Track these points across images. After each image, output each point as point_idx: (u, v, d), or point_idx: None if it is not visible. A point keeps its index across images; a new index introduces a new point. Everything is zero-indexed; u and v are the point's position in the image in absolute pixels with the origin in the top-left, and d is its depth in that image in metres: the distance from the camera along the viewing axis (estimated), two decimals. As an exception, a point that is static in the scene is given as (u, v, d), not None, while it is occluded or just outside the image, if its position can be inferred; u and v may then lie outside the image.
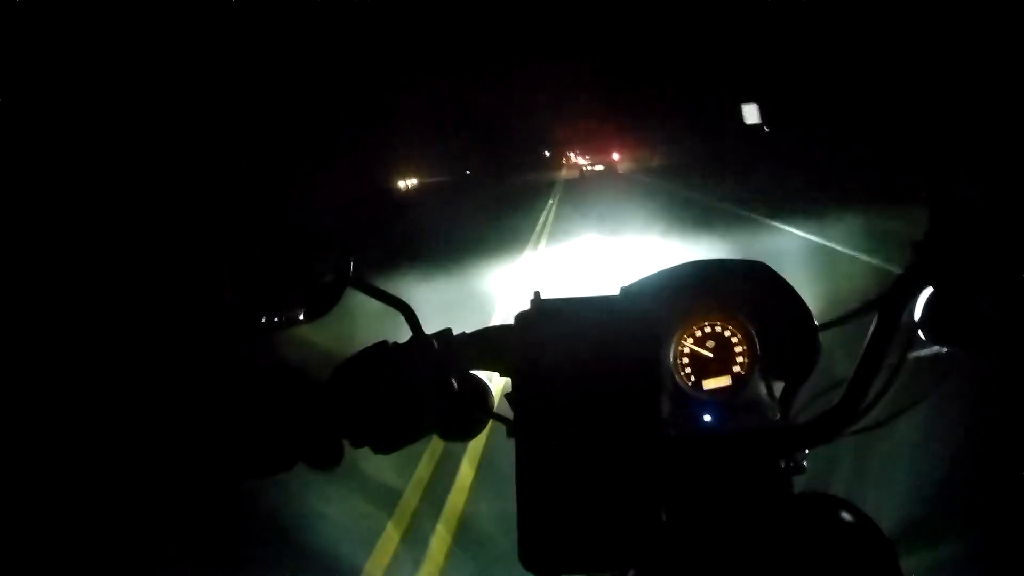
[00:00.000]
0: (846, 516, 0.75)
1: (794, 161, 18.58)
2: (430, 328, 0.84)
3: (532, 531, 0.71)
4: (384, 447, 0.79)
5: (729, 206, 13.49)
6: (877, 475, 2.59)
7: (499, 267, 9.58)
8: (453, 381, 0.82)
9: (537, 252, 11.05)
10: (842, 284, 5.39)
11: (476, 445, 3.45)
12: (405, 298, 0.84)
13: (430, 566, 2.70)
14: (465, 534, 2.88)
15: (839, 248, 7.74)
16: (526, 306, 0.77)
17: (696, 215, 12.74)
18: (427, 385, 0.80)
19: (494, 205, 23.61)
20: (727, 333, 0.86)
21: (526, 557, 0.71)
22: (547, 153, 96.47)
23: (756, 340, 0.85)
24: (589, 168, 45.39)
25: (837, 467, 2.42)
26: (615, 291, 0.82)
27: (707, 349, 0.85)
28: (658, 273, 0.88)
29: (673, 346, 0.86)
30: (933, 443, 2.66)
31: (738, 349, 0.85)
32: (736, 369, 0.85)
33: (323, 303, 0.80)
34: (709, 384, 0.85)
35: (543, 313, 0.76)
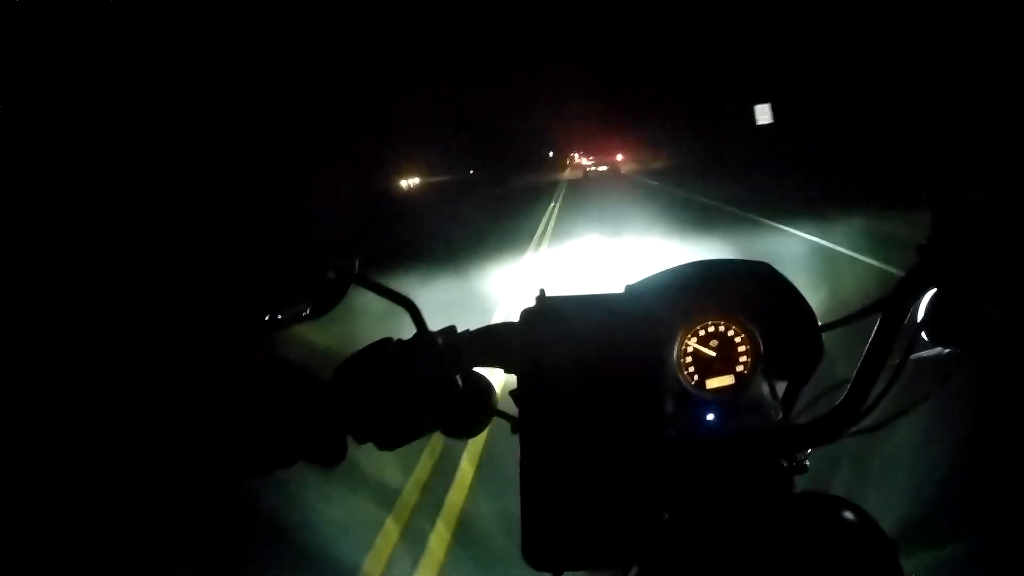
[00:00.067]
0: (847, 515, 0.75)
1: (811, 164, 17.81)
2: (434, 326, 0.84)
3: (535, 527, 0.71)
4: (387, 444, 0.79)
5: (737, 210, 12.96)
6: (878, 475, 2.59)
7: (501, 267, 9.58)
8: (457, 378, 0.82)
9: (539, 253, 11.05)
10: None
11: (476, 443, 3.45)
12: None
13: (430, 564, 2.71)
14: (465, 532, 2.88)
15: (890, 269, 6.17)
16: (531, 303, 0.77)
17: (701, 219, 12.64)
18: (431, 382, 0.80)
19: (495, 205, 23.61)
20: (730, 333, 0.86)
21: (529, 553, 0.71)
22: (551, 154, 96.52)
23: (759, 340, 0.85)
24: (593, 169, 45.51)
25: (838, 467, 2.43)
26: (620, 290, 0.82)
27: (710, 348, 0.86)
28: (663, 272, 0.89)
29: (677, 345, 0.86)
30: (934, 443, 2.66)
31: (741, 349, 0.86)
32: (739, 369, 0.85)
33: (328, 300, 0.80)
34: (712, 383, 0.85)
35: (548, 311, 0.76)
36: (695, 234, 10.31)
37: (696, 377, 0.86)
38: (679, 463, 0.77)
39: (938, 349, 0.81)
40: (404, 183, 40.40)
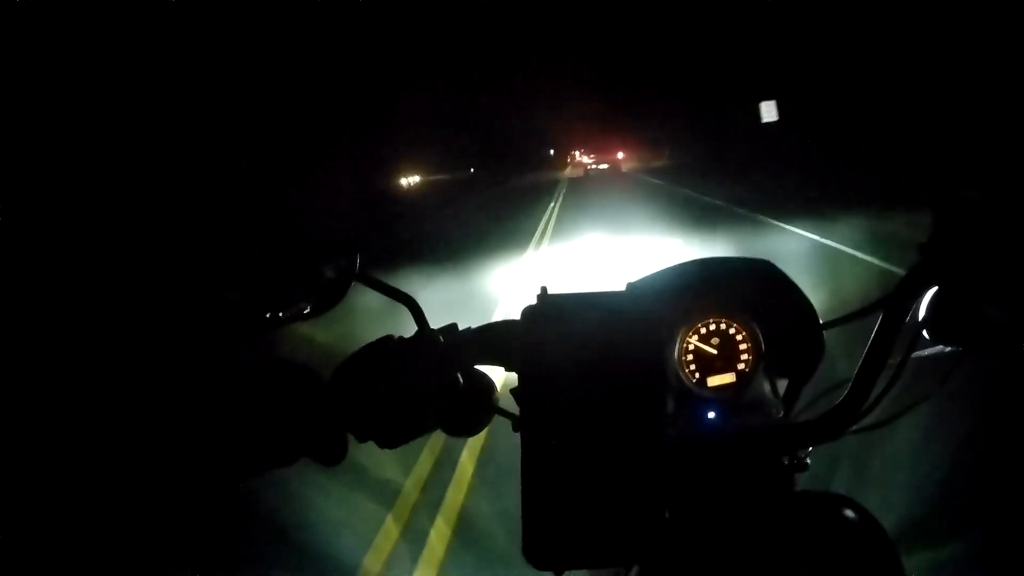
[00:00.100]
0: (848, 513, 0.75)
1: (820, 163, 17.22)
2: (435, 324, 0.84)
3: (536, 526, 0.71)
4: (388, 442, 0.79)
5: (739, 208, 12.75)
6: (879, 474, 2.60)
7: (501, 266, 9.59)
8: (458, 376, 0.82)
9: (540, 251, 11.05)
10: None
11: (477, 441, 3.45)
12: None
13: (430, 562, 2.71)
14: (466, 531, 2.89)
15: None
16: (532, 301, 0.77)
17: (702, 218, 12.61)
18: (432, 380, 0.80)
19: (495, 205, 23.61)
20: (732, 331, 0.86)
21: (530, 552, 0.71)
22: (551, 152, 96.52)
23: (760, 338, 0.85)
24: (593, 167, 45.55)
25: (839, 467, 2.43)
26: (621, 288, 0.83)
27: (712, 346, 0.86)
28: (664, 270, 0.89)
29: (678, 343, 0.86)
30: (934, 443, 2.66)
31: (742, 347, 0.86)
32: (740, 367, 0.85)
33: (329, 298, 0.80)
34: (713, 381, 0.85)
35: (549, 308, 0.76)
36: (696, 233, 10.32)
37: (697, 375, 0.86)
38: (680, 461, 0.77)
39: (939, 348, 0.81)
40: (404, 182, 40.40)
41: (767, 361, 0.85)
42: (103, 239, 7.97)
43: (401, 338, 0.83)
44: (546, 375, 0.74)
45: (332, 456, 0.78)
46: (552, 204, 20.42)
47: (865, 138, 16.80)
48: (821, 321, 0.86)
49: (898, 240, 6.79)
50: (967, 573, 2.14)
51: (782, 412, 0.85)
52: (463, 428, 0.85)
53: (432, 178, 45.63)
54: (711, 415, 0.83)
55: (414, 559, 2.73)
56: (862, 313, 0.85)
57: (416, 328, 0.83)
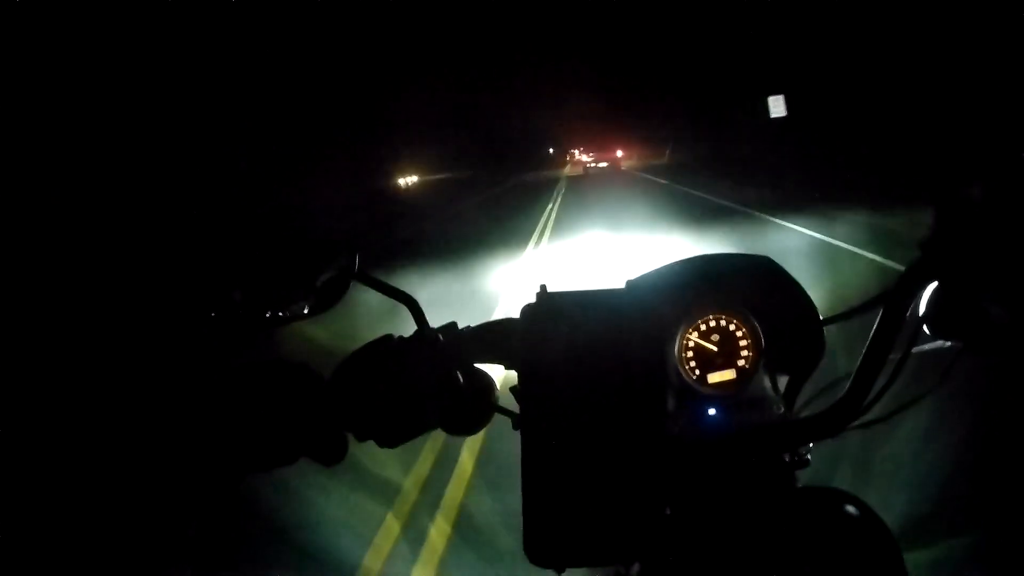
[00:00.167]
0: (850, 509, 0.75)
1: (830, 159, 16.49)
2: (435, 322, 0.84)
3: (537, 524, 0.71)
4: (388, 441, 0.79)
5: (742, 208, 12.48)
6: (879, 472, 2.60)
7: (501, 264, 9.59)
8: (458, 374, 0.82)
9: (540, 248, 11.05)
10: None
11: (477, 438, 3.45)
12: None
13: (430, 561, 2.71)
14: (466, 529, 2.89)
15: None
16: (531, 299, 0.77)
17: (701, 216, 12.56)
18: (431, 379, 0.80)
19: (495, 206, 23.59)
20: (732, 327, 0.86)
21: (531, 549, 0.71)
22: (551, 151, 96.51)
23: (761, 334, 0.85)
24: (592, 165, 45.84)
25: (839, 466, 2.43)
26: (620, 285, 0.82)
27: (712, 343, 0.85)
28: (663, 267, 0.88)
29: (678, 340, 0.86)
30: (934, 442, 2.66)
31: (743, 343, 0.85)
32: (741, 363, 0.85)
33: (329, 297, 0.80)
34: (714, 378, 0.85)
35: (549, 306, 0.76)
36: (694, 231, 10.29)
37: (697, 372, 0.86)
38: (681, 458, 0.77)
39: (939, 343, 0.81)
40: (405, 181, 40.41)
41: (768, 358, 0.85)
42: (103, 239, 7.97)
43: (401, 337, 0.83)
44: (546, 373, 0.73)
45: (332, 456, 0.78)
46: (550, 206, 20.28)
47: (878, 134, 16.51)
48: (821, 317, 0.86)
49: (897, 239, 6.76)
50: (968, 569, 2.14)
51: (783, 409, 0.85)
52: (463, 427, 0.85)
53: (432, 177, 45.65)
54: (712, 412, 0.83)
55: (414, 557, 2.73)
56: (862, 309, 0.85)
57: (415, 327, 0.83)
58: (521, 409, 0.76)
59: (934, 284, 0.79)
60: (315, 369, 0.80)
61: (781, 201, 12.13)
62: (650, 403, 0.73)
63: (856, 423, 0.78)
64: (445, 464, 3.40)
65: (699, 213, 12.81)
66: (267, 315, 0.78)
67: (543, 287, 0.78)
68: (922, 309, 0.80)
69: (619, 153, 47.80)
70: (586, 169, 45.78)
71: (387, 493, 3.17)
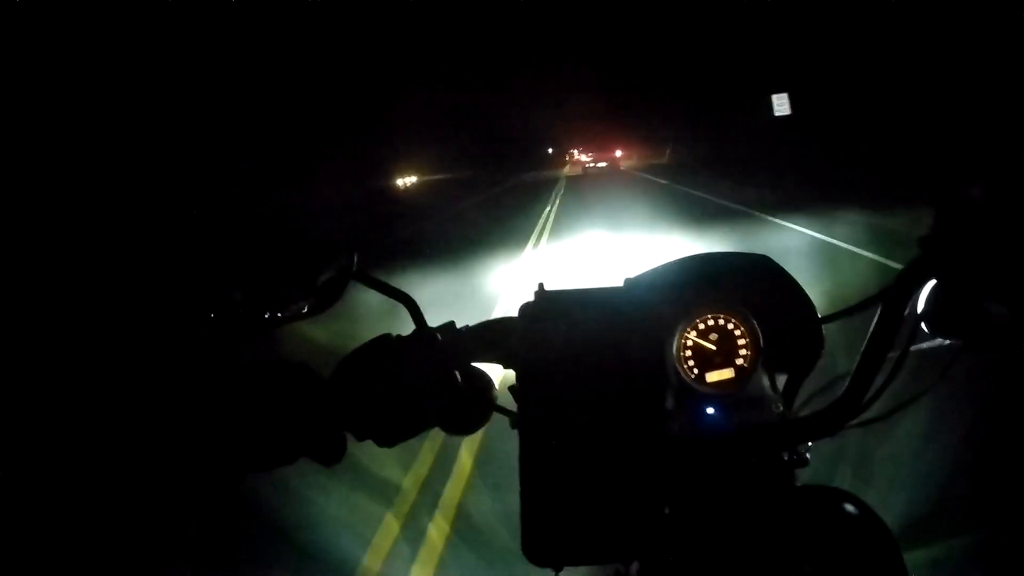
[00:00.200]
0: (849, 508, 0.75)
1: (836, 160, 16.07)
2: (434, 321, 0.84)
3: (535, 523, 0.71)
4: (386, 441, 0.79)
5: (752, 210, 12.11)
6: (879, 472, 2.59)
7: (501, 263, 9.60)
8: (456, 374, 0.82)
9: (539, 248, 11.05)
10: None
11: (475, 437, 3.45)
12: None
13: (429, 560, 2.71)
14: (465, 528, 2.89)
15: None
16: (529, 298, 0.77)
17: (700, 216, 12.53)
18: (430, 378, 0.80)
19: (494, 203, 23.59)
20: (730, 326, 0.86)
21: (529, 548, 0.71)
22: (550, 150, 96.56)
23: (759, 333, 0.85)
24: (591, 165, 46.14)
25: (839, 465, 2.43)
26: (619, 284, 0.82)
27: (710, 342, 0.85)
28: (662, 266, 0.88)
29: (676, 339, 0.86)
30: (933, 442, 2.66)
31: (741, 342, 0.85)
32: (739, 362, 0.85)
33: (327, 297, 0.80)
34: (712, 377, 0.85)
35: (547, 305, 0.76)
36: (693, 231, 10.27)
37: (696, 371, 0.86)
38: (679, 457, 0.77)
39: (938, 341, 0.81)
40: (405, 182, 40.43)
41: (766, 356, 0.85)
42: (102, 239, 7.97)
43: (399, 336, 0.82)
44: (544, 372, 0.73)
45: (331, 455, 0.78)
46: (548, 209, 20.13)
47: (880, 133, 16.37)
48: (820, 315, 0.86)
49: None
50: (967, 568, 2.14)
51: (781, 407, 0.85)
52: (461, 426, 0.85)
53: (432, 177, 45.66)
54: (710, 411, 0.83)
55: (413, 557, 2.73)
56: (861, 307, 0.85)
57: (414, 326, 0.83)
58: (519, 408, 0.76)
59: (932, 282, 0.79)
60: (314, 369, 0.80)
61: (781, 201, 12.11)
62: (648, 402, 0.73)
63: (855, 422, 0.78)
64: (444, 463, 3.40)
65: (699, 213, 12.81)
66: (266, 315, 0.78)
67: (541, 286, 0.78)
68: (920, 307, 0.80)
69: (618, 153, 48.04)
70: (585, 169, 46.06)
71: (387, 493, 3.17)
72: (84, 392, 4.36)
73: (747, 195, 14.32)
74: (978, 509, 2.39)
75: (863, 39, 19.16)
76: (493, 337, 0.84)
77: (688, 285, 0.87)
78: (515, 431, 0.75)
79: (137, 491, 3.16)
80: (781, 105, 25.95)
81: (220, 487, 0.83)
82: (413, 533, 2.89)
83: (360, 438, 0.79)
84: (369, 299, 0.88)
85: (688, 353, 0.86)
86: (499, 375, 0.85)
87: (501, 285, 7.94)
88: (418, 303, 0.84)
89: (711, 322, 0.86)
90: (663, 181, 24.74)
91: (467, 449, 3.45)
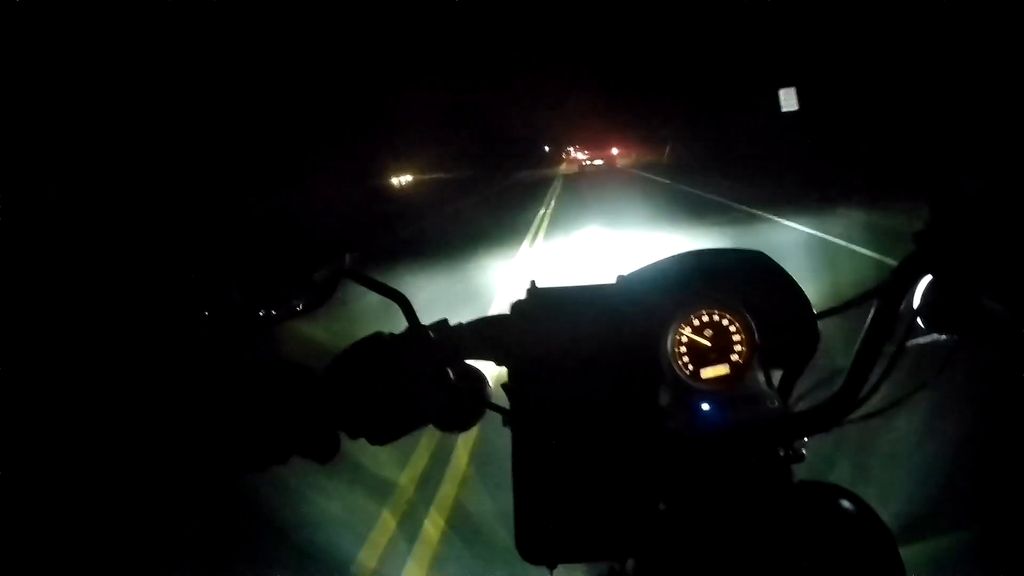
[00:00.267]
0: (846, 504, 0.75)
1: (836, 160, 15.73)
2: (432, 318, 0.84)
3: (529, 521, 0.71)
4: (379, 439, 0.79)
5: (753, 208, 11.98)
6: (876, 469, 2.59)
7: (498, 260, 9.61)
8: (449, 371, 0.82)
9: (535, 245, 11.05)
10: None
11: (472, 434, 3.45)
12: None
13: (424, 558, 2.71)
14: (461, 526, 2.89)
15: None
16: (522, 295, 0.76)
17: (697, 212, 12.51)
18: (423, 376, 0.80)
19: (494, 203, 23.59)
20: (725, 322, 0.85)
21: (523, 547, 0.71)
22: (546, 148, 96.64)
23: (754, 329, 0.84)
24: (588, 163, 46.54)
25: (836, 463, 2.42)
26: (612, 280, 0.82)
27: (705, 338, 0.85)
28: (656, 262, 0.88)
29: (671, 335, 0.85)
30: (932, 440, 2.66)
31: (736, 338, 0.85)
32: (734, 358, 0.85)
33: (319, 295, 0.80)
34: (707, 373, 0.84)
35: (539, 302, 0.76)
36: (692, 228, 10.28)
37: (691, 367, 0.85)
38: (674, 454, 0.77)
39: (934, 336, 0.81)
40: (403, 181, 40.41)
41: (761, 352, 0.84)
42: (100, 238, 7.97)
43: (392, 334, 0.82)
44: (536, 369, 0.73)
45: (324, 454, 0.78)
46: (544, 210, 19.94)
47: (881, 132, 16.23)
48: (815, 311, 0.86)
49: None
50: (964, 564, 2.14)
51: (777, 403, 0.84)
52: (455, 424, 0.85)
53: (430, 176, 45.66)
54: (705, 407, 0.83)
55: (409, 554, 2.73)
56: (856, 302, 0.84)
57: (407, 324, 0.82)
58: (511, 405, 0.75)
59: (928, 277, 0.79)
60: (307, 367, 0.79)
61: (781, 200, 12.02)
62: (643, 398, 0.72)
63: (851, 417, 0.78)
64: (440, 461, 3.40)
65: (699, 211, 12.80)
66: (259, 313, 0.78)
67: (533, 283, 0.77)
68: (916, 302, 0.80)
69: (614, 151, 48.41)
70: (582, 167, 46.45)
71: (383, 490, 3.17)
72: (82, 392, 4.36)
73: (746, 194, 14.30)
74: (975, 505, 2.39)
75: (863, 39, 19.14)
76: (486, 334, 0.83)
77: (682, 281, 0.87)
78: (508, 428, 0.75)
79: (136, 491, 3.16)
80: (788, 100, 25.38)
81: (215, 485, 0.83)
82: (409, 531, 2.89)
83: (353, 436, 0.79)
84: (366, 298, 0.88)
85: (683, 349, 0.85)
86: (493, 373, 0.85)
87: (501, 282, 7.95)
88: (417, 301, 0.83)
89: (706, 318, 0.86)
90: (662, 180, 24.75)
91: (463, 446, 3.44)
